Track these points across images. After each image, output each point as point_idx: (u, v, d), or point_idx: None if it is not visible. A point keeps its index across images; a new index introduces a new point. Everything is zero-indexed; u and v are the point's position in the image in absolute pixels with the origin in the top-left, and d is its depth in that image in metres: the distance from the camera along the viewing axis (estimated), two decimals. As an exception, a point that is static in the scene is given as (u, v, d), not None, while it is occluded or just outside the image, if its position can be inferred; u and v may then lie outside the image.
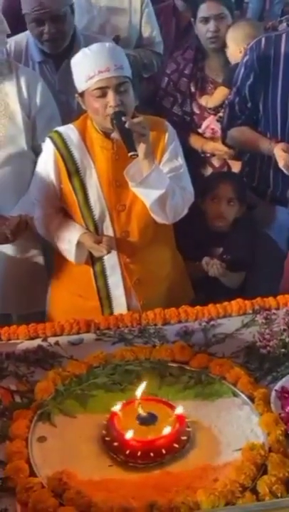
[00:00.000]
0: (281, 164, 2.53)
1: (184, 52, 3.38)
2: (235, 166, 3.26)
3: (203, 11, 3.23)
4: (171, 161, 2.42)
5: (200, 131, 3.29)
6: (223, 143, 2.99)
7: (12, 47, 3.08)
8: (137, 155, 2.23)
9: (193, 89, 3.29)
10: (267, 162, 2.79)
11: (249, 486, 1.59)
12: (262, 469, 1.64)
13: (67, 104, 2.99)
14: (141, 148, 2.26)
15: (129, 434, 1.70)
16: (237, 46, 3.11)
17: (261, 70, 2.68)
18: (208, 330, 2.21)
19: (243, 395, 1.89)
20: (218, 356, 2.06)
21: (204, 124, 3.28)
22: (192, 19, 3.31)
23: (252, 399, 1.87)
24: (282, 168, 2.53)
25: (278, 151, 2.54)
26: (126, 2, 3.55)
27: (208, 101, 3.25)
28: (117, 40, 3.31)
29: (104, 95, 2.28)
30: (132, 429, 1.72)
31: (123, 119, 2.24)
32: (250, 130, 2.78)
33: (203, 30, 3.24)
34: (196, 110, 3.29)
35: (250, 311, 2.29)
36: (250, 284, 2.86)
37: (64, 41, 3.02)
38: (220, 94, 3.20)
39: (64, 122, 2.61)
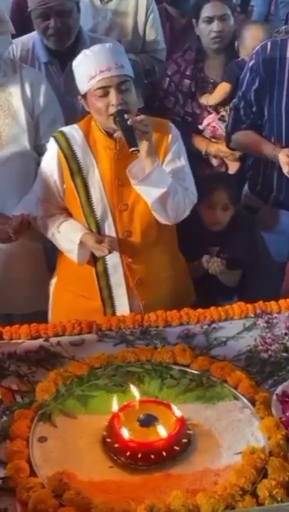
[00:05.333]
0: (285, 170, 2.52)
1: (184, 53, 3.39)
2: (233, 166, 3.27)
3: (208, 11, 3.24)
4: (174, 162, 2.42)
5: (200, 127, 3.29)
6: (228, 146, 3.00)
7: (18, 48, 3.09)
8: (138, 150, 2.24)
9: (193, 89, 3.30)
10: (271, 166, 2.78)
11: (249, 489, 1.59)
12: (262, 473, 1.64)
13: (73, 106, 2.99)
14: (143, 146, 2.26)
15: (125, 434, 1.71)
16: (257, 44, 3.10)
17: (267, 74, 2.68)
18: (210, 333, 2.22)
19: (244, 399, 1.89)
20: (219, 359, 2.06)
21: (205, 122, 3.29)
22: (194, 20, 3.32)
23: (253, 402, 1.87)
24: (287, 175, 2.53)
25: (283, 157, 2.54)
26: (131, 7, 3.56)
27: (209, 99, 3.27)
28: None
29: (106, 94, 2.29)
30: (133, 431, 1.72)
31: (125, 116, 2.25)
32: (255, 134, 2.78)
33: (207, 31, 3.25)
34: (197, 110, 3.30)
35: (252, 315, 2.29)
36: (244, 286, 2.87)
37: (69, 37, 3.02)
38: (221, 91, 3.22)
39: (69, 124, 2.60)
